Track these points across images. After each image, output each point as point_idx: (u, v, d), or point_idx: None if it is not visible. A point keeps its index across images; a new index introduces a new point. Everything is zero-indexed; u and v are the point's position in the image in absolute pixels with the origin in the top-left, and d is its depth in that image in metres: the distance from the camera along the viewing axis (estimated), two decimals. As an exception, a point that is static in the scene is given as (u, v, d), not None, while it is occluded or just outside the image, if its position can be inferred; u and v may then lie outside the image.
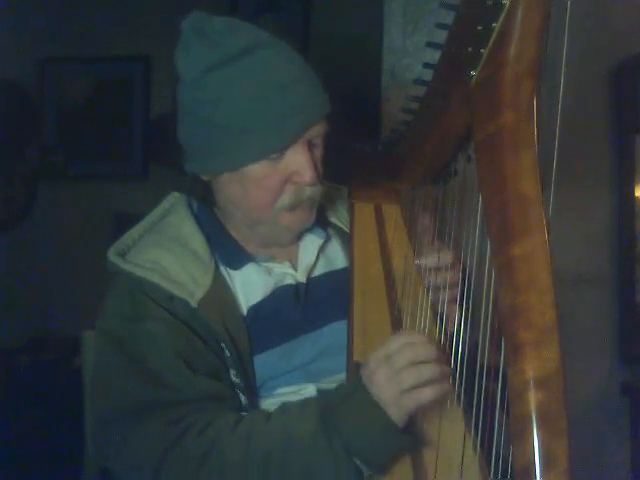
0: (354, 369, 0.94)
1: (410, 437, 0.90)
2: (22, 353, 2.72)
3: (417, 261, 1.14)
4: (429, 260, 1.11)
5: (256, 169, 1.06)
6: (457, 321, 1.06)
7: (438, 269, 1.10)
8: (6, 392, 2.50)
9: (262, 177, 1.06)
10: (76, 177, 3.05)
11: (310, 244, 1.20)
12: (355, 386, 0.90)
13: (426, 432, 0.92)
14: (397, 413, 0.87)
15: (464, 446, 0.90)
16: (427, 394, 0.87)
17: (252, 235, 1.16)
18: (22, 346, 2.77)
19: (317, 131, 1.08)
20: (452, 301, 1.09)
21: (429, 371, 0.87)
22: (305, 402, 0.96)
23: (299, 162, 1.07)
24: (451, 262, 1.10)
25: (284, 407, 0.98)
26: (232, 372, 1.07)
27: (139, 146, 3.05)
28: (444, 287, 1.10)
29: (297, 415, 0.94)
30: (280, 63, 1.05)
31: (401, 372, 0.87)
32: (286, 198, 1.09)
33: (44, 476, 2.22)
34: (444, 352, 1.01)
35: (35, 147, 3.08)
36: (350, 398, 0.90)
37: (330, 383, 1.11)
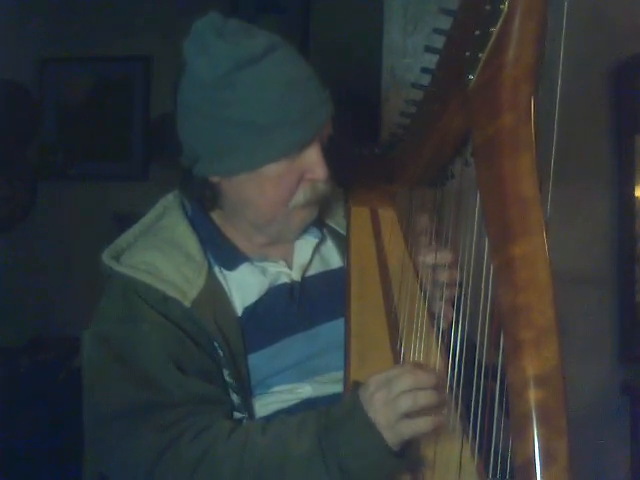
0: (353, 388, 0.94)
1: (406, 460, 0.90)
2: (22, 353, 2.73)
3: (419, 257, 1.15)
4: (428, 258, 1.12)
5: (275, 168, 1.06)
6: (454, 320, 1.07)
7: (437, 267, 1.11)
8: (6, 392, 2.51)
9: (280, 176, 1.07)
10: (76, 177, 3.05)
11: (305, 243, 1.20)
12: (353, 407, 0.90)
13: (423, 438, 0.93)
14: (392, 437, 0.88)
15: (462, 449, 0.90)
16: (422, 425, 0.87)
17: (256, 235, 1.16)
18: (22, 346, 2.77)
19: (327, 128, 1.10)
20: (449, 300, 1.10)
21: (425, 398, 0.87)
22: (303, 419, 0.96)
23: (313, 159, 1.08)
24: (450, 261, 1.10)
25: (281, 421, 0.98)
26: (225, 372, 1.07)
27: (139, 146, 3.05)
28: (442, 285, 1.10)
29: (295, 432, 0.94)
30: (296, 61, 1.07)
31: (398, 397, 0.87)
32: (301, 195, 1.10)
33: (44, 476, 2.22)
34: (442, 353, 1.01)
35: (35, 147, 3.08)
36: (348, 419, 0.90)
37: (325, 381, 1.12)
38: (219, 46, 1.02)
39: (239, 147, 1.04)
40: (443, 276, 1.10)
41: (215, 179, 1.10)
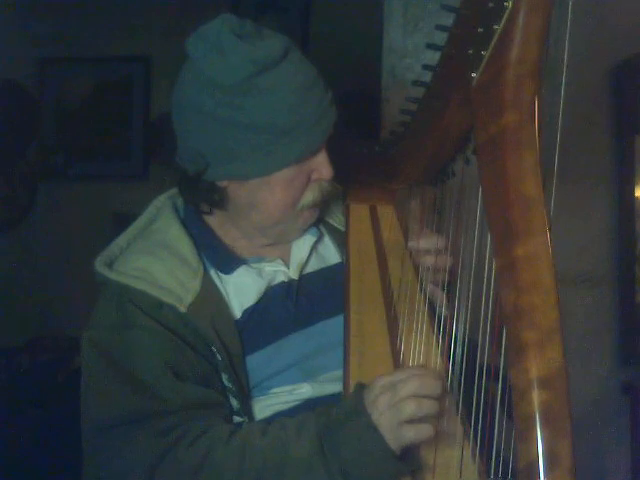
0: (356, 389, 0.93)
1: (407, 465, 0.90)
2: (22, 353, 2.73)
3: (410, 243, 1.17)
4: (415, 243, 1.14)
5: (286, 171, 1.05)
6: (444, 305, 1.09)
7: (428, 252, 1.12)
8: (6, 392, 2.50)
9: (291, 178, 1.07)
10: (76, 177, 3.05)
11: (303, 241, 1.20)
12: (356, 409, 0.90)
13: (424, 442, 0.92)
14: (394, 441, 0.87)
15: (463, 451, 0.90)
16: (425, 431, 0.87)
17: (258, 237, 1.16)
18: (22, 346, 2.77)
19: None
20: (438, 284, 1.11)
21: (429, 406, 0.87)
22: (303, 420, 0.95)
23: (320, 159, 1.08)
24: (441, 247, 1.11)
25: (281, 423, 0.97)
26: (224, 376, 1.06)
27: (139, 146, 3.05)
28: (432, 270, 1.12)
29: (294, 433, 0.93)
30: (306, 62, 1.06)
31: (402, 402, 0.86)
32: (309, 196, 1.11)
33: (44, 477, 2.22)
34: (442, 353, 1.01)
35: (35, 147, 3.08)
36: (350, 419, 0.89)
37: (325, 381, 1.11)
38: (239, 49, 0.98)
39: (255, 151, 1.02)
40: (429, 260, 1.11)
41: (224, 183, 1.09)
